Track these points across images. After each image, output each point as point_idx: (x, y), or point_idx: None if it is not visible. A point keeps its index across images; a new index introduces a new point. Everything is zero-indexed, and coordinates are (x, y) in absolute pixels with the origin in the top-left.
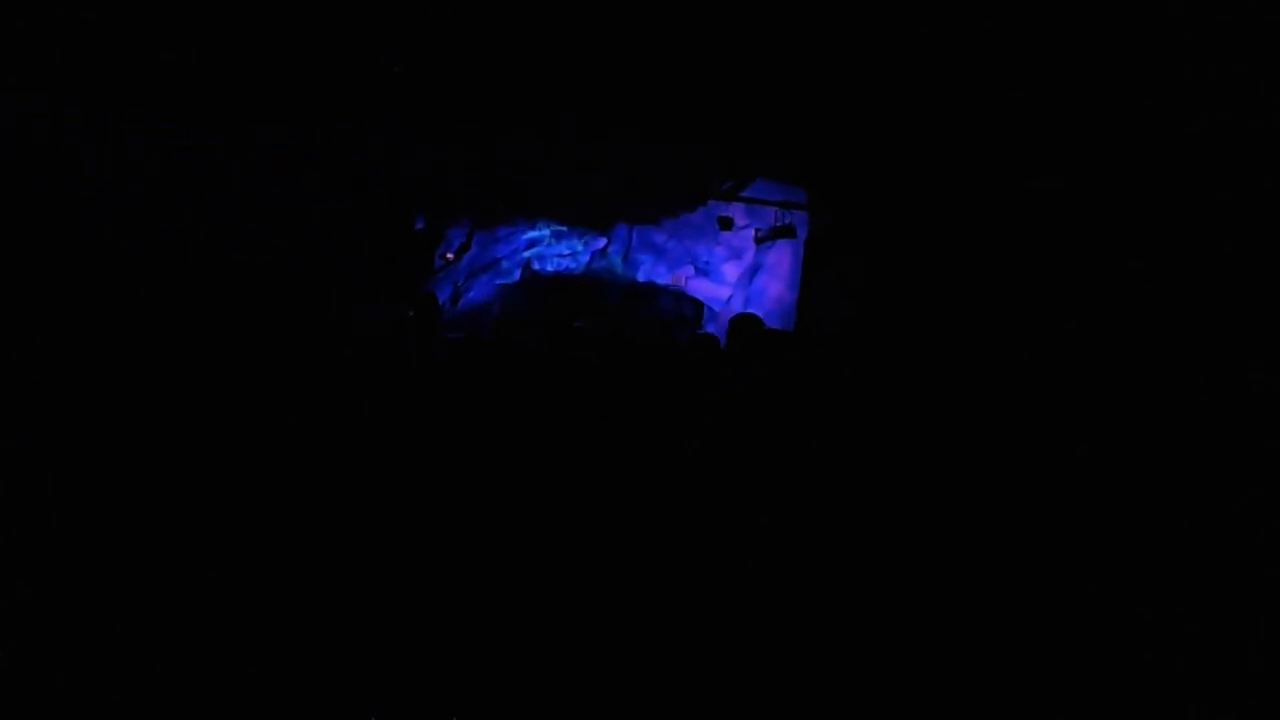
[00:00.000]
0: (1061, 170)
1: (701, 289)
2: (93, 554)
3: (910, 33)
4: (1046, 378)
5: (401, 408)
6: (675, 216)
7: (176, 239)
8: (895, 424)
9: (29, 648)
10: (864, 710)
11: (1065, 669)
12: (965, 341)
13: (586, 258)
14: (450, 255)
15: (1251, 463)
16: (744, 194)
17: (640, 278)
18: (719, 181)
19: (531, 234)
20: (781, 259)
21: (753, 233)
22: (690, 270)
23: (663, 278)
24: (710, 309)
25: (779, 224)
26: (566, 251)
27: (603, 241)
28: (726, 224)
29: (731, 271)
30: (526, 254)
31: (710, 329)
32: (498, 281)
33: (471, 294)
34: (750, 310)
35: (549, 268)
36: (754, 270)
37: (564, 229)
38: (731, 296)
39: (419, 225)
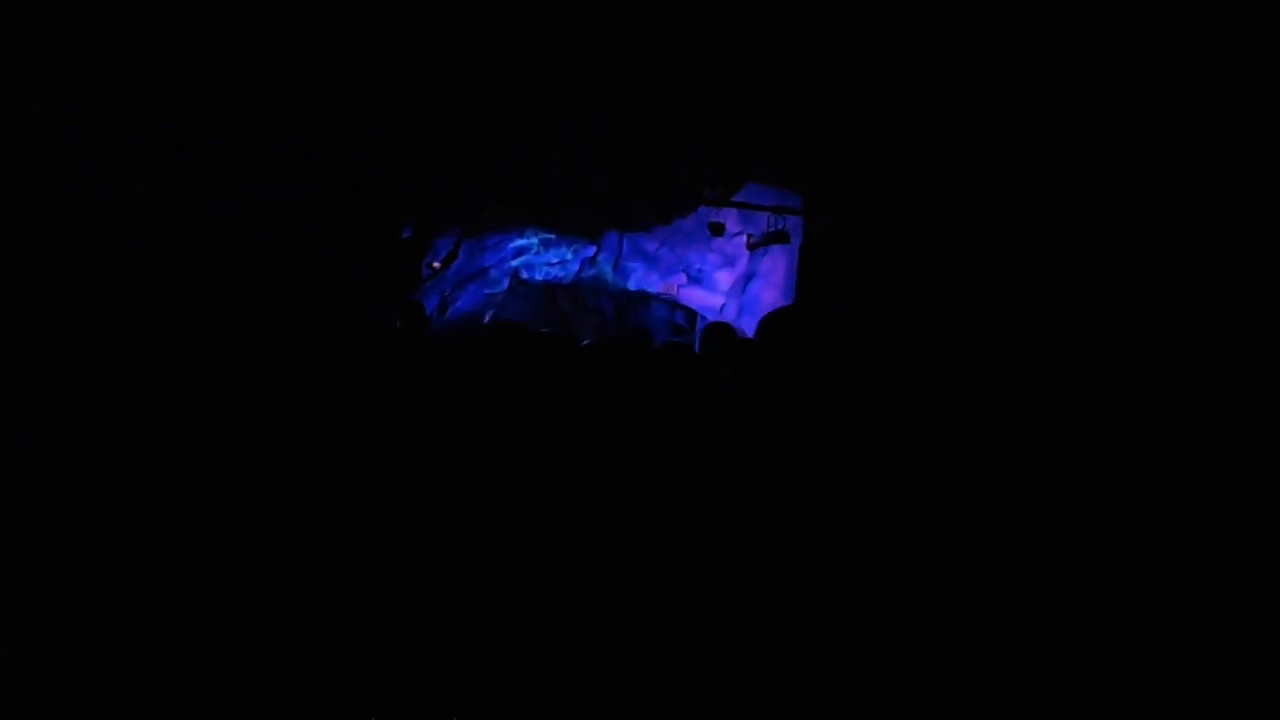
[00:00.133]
0: (1061, 170)
1: (694, 297)
2: (93, 554)
3: (909, 32)
4: (1046, 378)
5: (401, 408)
6: (667, 223)
7: (176, 239)
8: (895, 424)
9: (29, 648)
10: (864, 710)
11: (1065, 669)
12: (965, 341)
13: (576, 266)
14: (437, 264)
15: (1251, 463)
16: (736, 198)
17: (631, 286)
18: (711, 184)
19: (519, 242)
20: (776, 266)
21: (745, 238)
22: (683, 278)
23: (654, 286)
24: (704, 318)
25: (772, 229)
26: (555, 260)
27: (592, 249)
28: (718, 230)
29: (725, 279)
30: (514, 263)
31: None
32: (486, 291)
33: (459, 303)
34: (744, 319)
35: (538, 276)
36: (748, 278)
37: (552, 237)
38: (725, 305)
39: (406, 233)
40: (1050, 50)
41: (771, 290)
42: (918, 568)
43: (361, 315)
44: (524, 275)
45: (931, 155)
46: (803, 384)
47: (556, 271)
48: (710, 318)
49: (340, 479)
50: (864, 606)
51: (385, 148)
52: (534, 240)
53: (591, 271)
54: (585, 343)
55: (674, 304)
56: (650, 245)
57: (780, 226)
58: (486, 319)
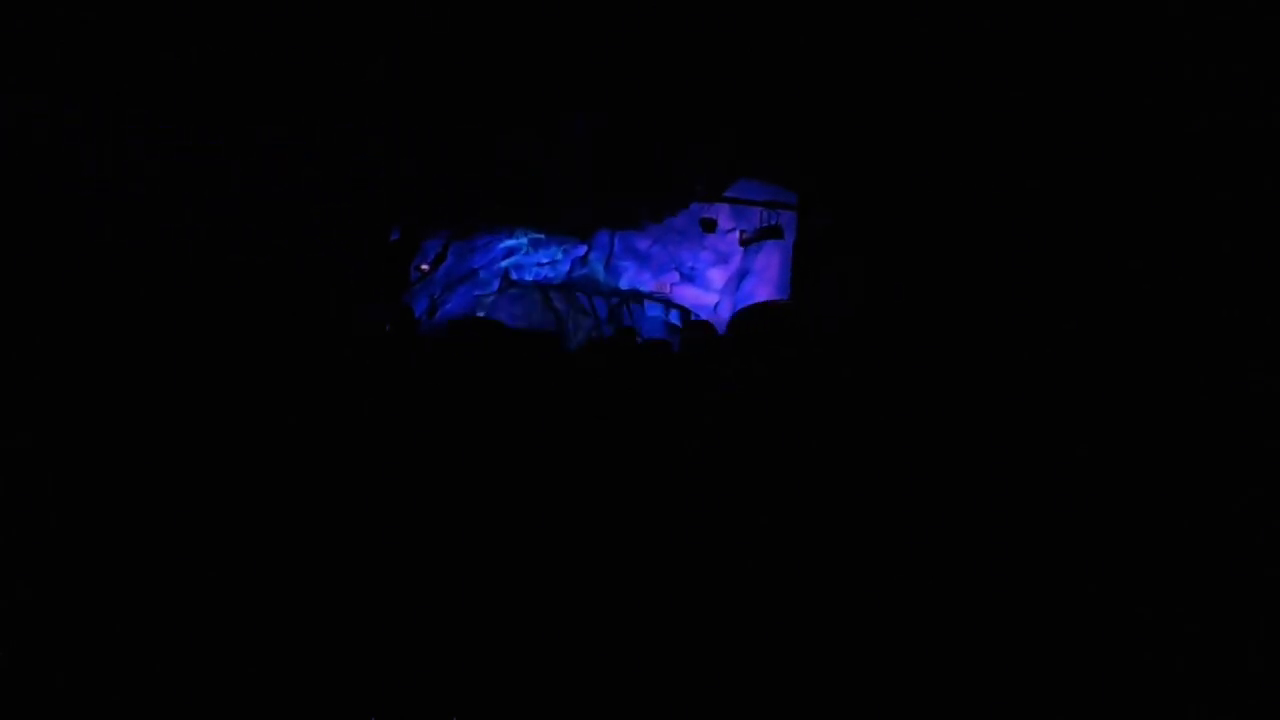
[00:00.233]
0: (1062, 170)
1: (687, 296)
2: (93, 554)
3: (910, 32)
4: (1046, 378)
5: (399, 408)
6: (659, 221)
7: (176, 239)
8: (895, 424)
9: (29, 648)
10: (864, 710)
11: (1065, 669)
12: (965, 341)
13: (567, 266)
14: (425, 266)
15: (1251, 463)
16: (728, 193)
17: (623, 285)
18: (703, 179)
19: (509, 242)
20: (770, 263)
21: (738, 235)
22: (675, 277)
23: (647, 285)
24: (697, 316)
25: (765, 224)
26: (545, 260)
27: (583, 249)
28: (710, 226)
29: (718, 277)
30: (504, 263)
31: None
32: (475, 293)
33: (449, 306)
34: None
35: (528, 277)
36: (741, 275)
37: (542, 236)
38: (719, 303)
39: (394, 236)
40: (1050, 50)
41: (766, 287)
42: (917, 566)
43: (361, 315)
44: (514, 276)
45: (931, 154)
46: (802, 384)
47: (547, 272)
48: (705, 316)
49: (340, 478)
50: (864, 604)
51: (384, 148)
52: (524, 240)
53: (583, 271)
54: (579, 343)
55: (668, 303)
56: (642, 243)
57: (774, 221)
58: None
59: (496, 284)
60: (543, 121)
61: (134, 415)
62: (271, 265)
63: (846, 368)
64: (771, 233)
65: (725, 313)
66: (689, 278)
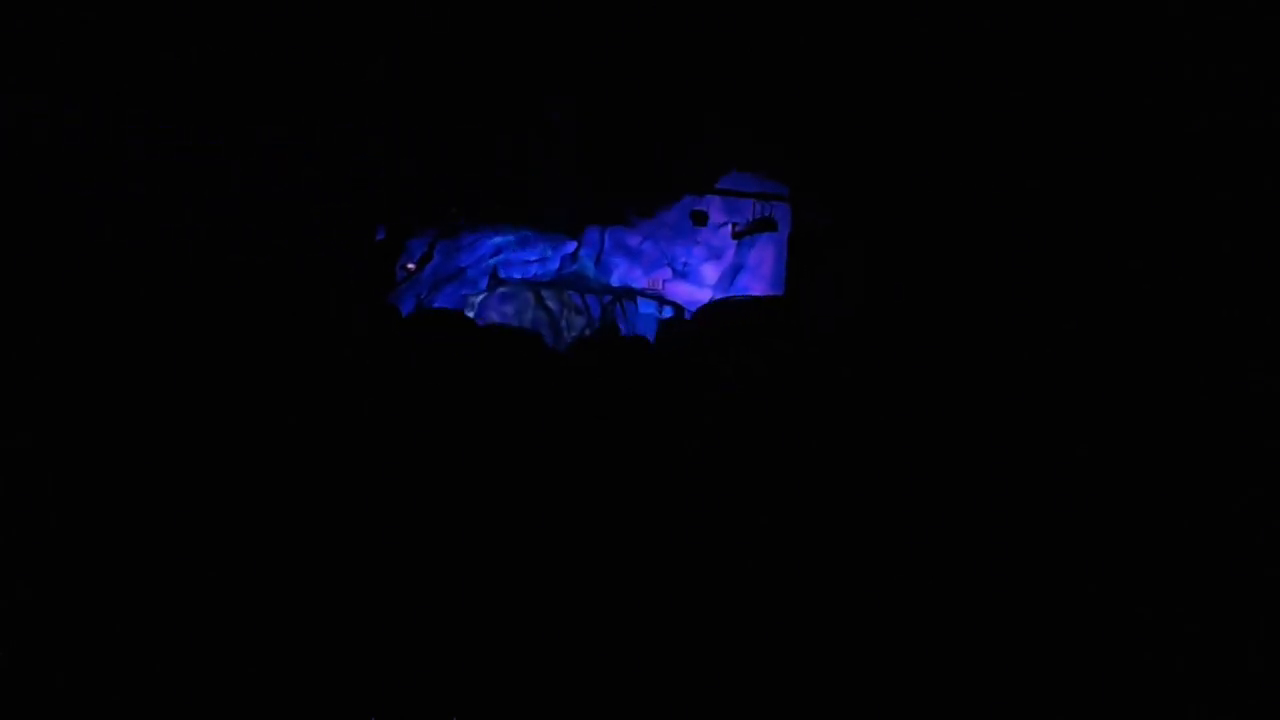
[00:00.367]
0: (1062, 169)
1: (680, 292)
2: (93, 554)
3: (911, 32)
4: (1046, 377)
5: (401, 408)
6: (650, 216)
7: (176, 239)
8: (895, 423)
9: (29, 648)
10: (864, 709)
11: (1065, 669)
12: (965, 341)
13: (556, 263)
14: (412, 265)
15: (1251, 463)
16: (719, 185)
17: (614, 282)
18: (693, 171)
19: (496, 240)
20: (763, 258)
21: (730, 228)
22: (668, 273)
23: (639, 282)
24: (690, 313)
25: (758, 216)
26: (534, 257)
27: (572, 245)
28: (701, 219)
29: (711, 272)
30: (492, 261)
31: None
32: (463, 292)
33: (436, 305)
34: None
35: (516, 274)
36: (735, 270)
37: (530, 233)
38: (713, 299)
39: (380, 235)
40: (1050, 50)
41: (759, 283)
42: (917, 566)
43: (362, 315)
44: (502, 274)
45: (931, 154)
46: (802, 384)
47: (535, 269)
48: None
49: (340, 478)
50: (864, 603)
51: (383, 148)
52: (511, 238)
53: (573, 268)
54: (572, 340)
55: (661, 299)
56: (633, 239)
57: (766, 214)
58: (470, 318)
59: (485, 282)
60: (526, 114)
61: (134, 414)
62: (271, 265)
63: (846, 367)
64: (764, 225)
65: None
66: (682, 274)
